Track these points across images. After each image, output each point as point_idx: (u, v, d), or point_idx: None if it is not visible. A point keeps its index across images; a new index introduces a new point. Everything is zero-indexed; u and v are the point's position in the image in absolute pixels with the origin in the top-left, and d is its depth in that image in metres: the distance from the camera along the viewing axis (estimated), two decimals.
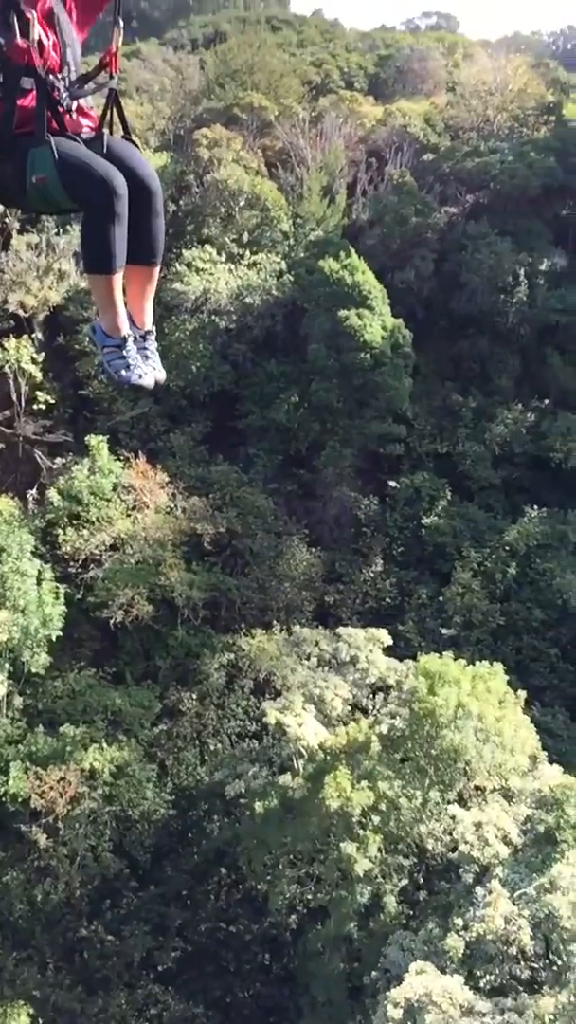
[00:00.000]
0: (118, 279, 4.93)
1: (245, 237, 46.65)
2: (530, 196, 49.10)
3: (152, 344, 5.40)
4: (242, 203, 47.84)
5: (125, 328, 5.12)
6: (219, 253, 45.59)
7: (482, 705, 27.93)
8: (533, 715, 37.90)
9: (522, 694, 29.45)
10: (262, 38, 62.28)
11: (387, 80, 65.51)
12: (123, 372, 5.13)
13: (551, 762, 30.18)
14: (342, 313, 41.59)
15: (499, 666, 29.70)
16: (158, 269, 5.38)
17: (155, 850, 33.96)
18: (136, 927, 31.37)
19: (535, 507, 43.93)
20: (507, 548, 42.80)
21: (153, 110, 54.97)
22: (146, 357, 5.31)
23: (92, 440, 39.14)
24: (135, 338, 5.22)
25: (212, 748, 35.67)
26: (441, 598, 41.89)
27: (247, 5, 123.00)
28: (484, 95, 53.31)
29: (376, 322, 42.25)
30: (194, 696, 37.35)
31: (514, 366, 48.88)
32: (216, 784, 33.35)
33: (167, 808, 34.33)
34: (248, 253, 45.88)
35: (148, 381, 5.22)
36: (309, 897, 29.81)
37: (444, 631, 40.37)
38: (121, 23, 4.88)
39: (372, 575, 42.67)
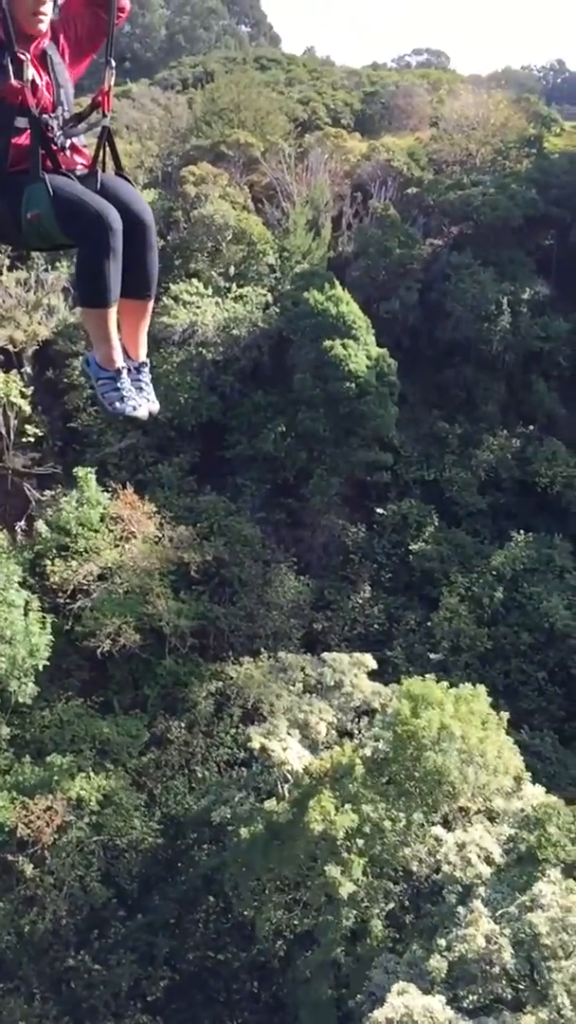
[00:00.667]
0: (112, 313, 5.03)
1: (232, 271, 47.36)
2: (512, 227, 49.87)
3: (146, 376, 5.50)
4: (229, 237, 48.64)
5: (119, 360, 5.23)
6: (206, 287, 46.27)
7: (465, 727, 28.07)
8: (522, 738, 38.17)
9: (505, 715, 29.60)
10: (249, 77, 63.42)
11: (373, 116, 66.62)
12: (117, 404, 5.23)
13: (539, 784, 30.27)
14: (327, 343, 42.17)
15: (482, 688, 29.89)
16: (152, 303, 5.49)
17: (143, 879, 33.93)
18: (123, 956, 31.31)
19: (522, 532, 44.24)
20: (494, 573, 43.06)
21: (142, 148, 55.93)
22: (140, 389, 5.38)
23: (80, 471, 39.56)
24: (129, 370, 5.32)
25: (200, 776, 35.70)
26: (429, 623, 42.07)
27: (238, 45, 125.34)
28: (467, 129, 54.27)
29: (361, 352, 42.80)
30: (182, 725, 37.44)
31: (500, 393, 49.41)
32: (204, 812, 33.36)
33: (155, 837, 34.36)
34: (235, 286, 46.56)
35: (142, 412, 5.32)
36: (296, 922, 29.79)
37: (432, 656, 40.50)
38: (113, 64, 5.01)
39: (360, 602, 42.87)
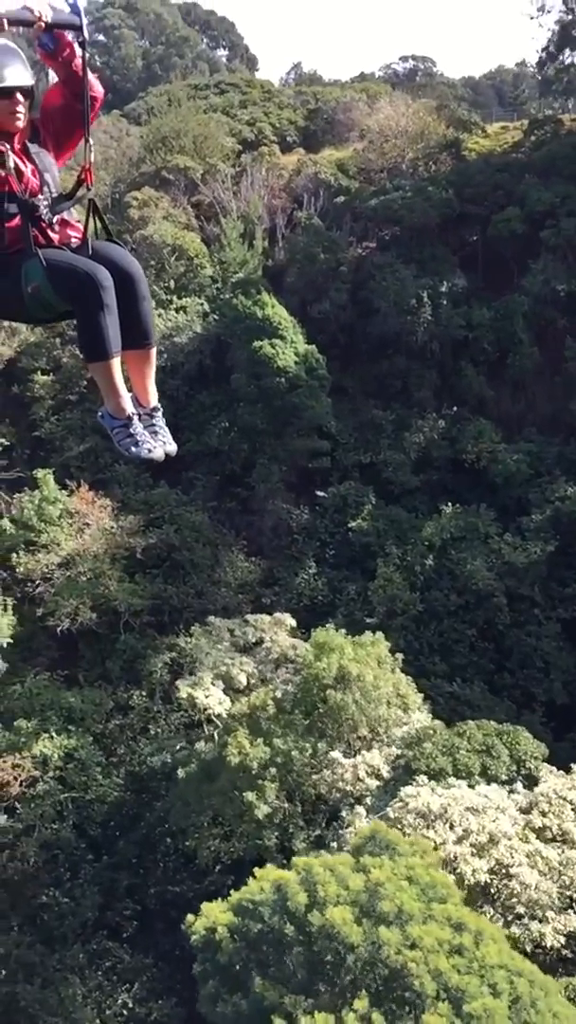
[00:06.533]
0: (116, 364, 5.41)
1: (172, 284, 51.89)
2: (433, 226, 54.04)
3: (160, 420, 5.82)
4: (174, 255, 53.22)
5: (129, 407, 5.58)
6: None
7: (362, 668, 32.31)
8: (454, 689, 42.54)
9: (399, 656, 33.79)
10: (189, 104, 68.09)
11: (316, 132, 71.07)
12: (133, 448, 5.54)
13: None
14: (256, 344, 46.59)
15: (380, 635, 34.14)
16: (154, 350, 5.91)
17: (110, 828, 38.26)
18: (88, 889, 35.62)
19: (450, 505, 48.28)
20: (425, 543, 47.10)
21: (95, 178, 60.57)
22: (155, 433, 5.70)
23: (40, 473, 44.23)
24: (140, 416, 5.67)
25: (154, 734, 40.00)
26: (368, 592, 46.25)
27: (212, 71, 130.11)
28: (391, 139, 58.55)
29: (289, 349, 47.19)
30: (143, 693, 41.84)
31: (432, 380, 53.50)
32: (157, 764, 37.72)
33: (120, 791, 38.68)
34: (176, 298, 51.10)
35: (158, 454, 5.62)
36: (232, 850, 34.01)
37: (368, 620, 44.64)
38: (92, 142, 5.65)
39: (306, 577, 47.11)
